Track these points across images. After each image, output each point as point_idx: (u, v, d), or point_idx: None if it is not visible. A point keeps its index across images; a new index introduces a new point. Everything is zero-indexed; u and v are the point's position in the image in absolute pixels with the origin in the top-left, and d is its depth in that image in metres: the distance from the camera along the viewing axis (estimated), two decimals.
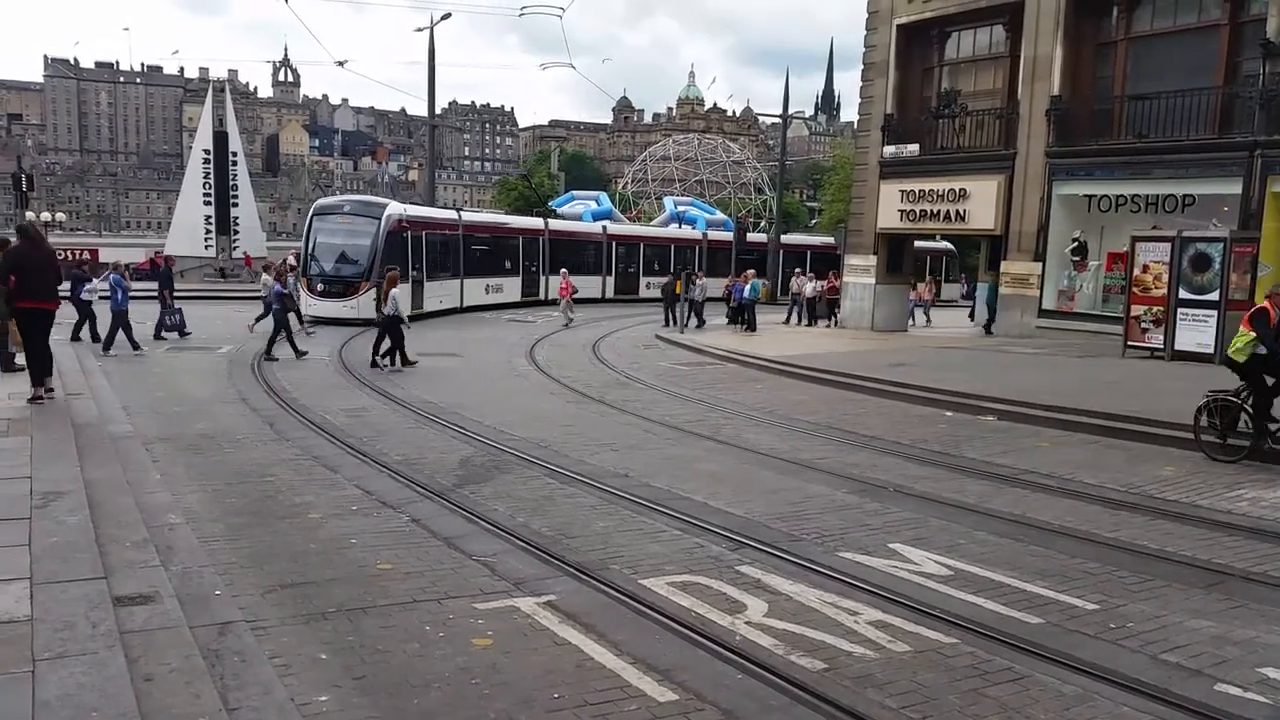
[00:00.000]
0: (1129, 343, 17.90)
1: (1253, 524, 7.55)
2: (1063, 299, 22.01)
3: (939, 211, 23.83)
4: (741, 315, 26.38)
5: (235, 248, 45.08)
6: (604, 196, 59.80)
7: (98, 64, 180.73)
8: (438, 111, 46.01)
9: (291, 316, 18.61)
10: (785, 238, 48.17)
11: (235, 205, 45.17)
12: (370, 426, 10.95)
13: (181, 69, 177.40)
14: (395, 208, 27.48)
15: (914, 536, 6.96)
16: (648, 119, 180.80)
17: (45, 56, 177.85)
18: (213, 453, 9.27)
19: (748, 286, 26.21)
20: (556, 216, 44.84)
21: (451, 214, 33.43)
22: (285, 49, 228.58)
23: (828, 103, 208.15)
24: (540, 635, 4.96)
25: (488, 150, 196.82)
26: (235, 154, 45.65)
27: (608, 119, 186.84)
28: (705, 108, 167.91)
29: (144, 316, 18.97)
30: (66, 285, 18.22)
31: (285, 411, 11.81)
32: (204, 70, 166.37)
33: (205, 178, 44.72)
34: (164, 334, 19.65)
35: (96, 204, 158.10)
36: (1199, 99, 19.17)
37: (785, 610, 5.39)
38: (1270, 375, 9.80)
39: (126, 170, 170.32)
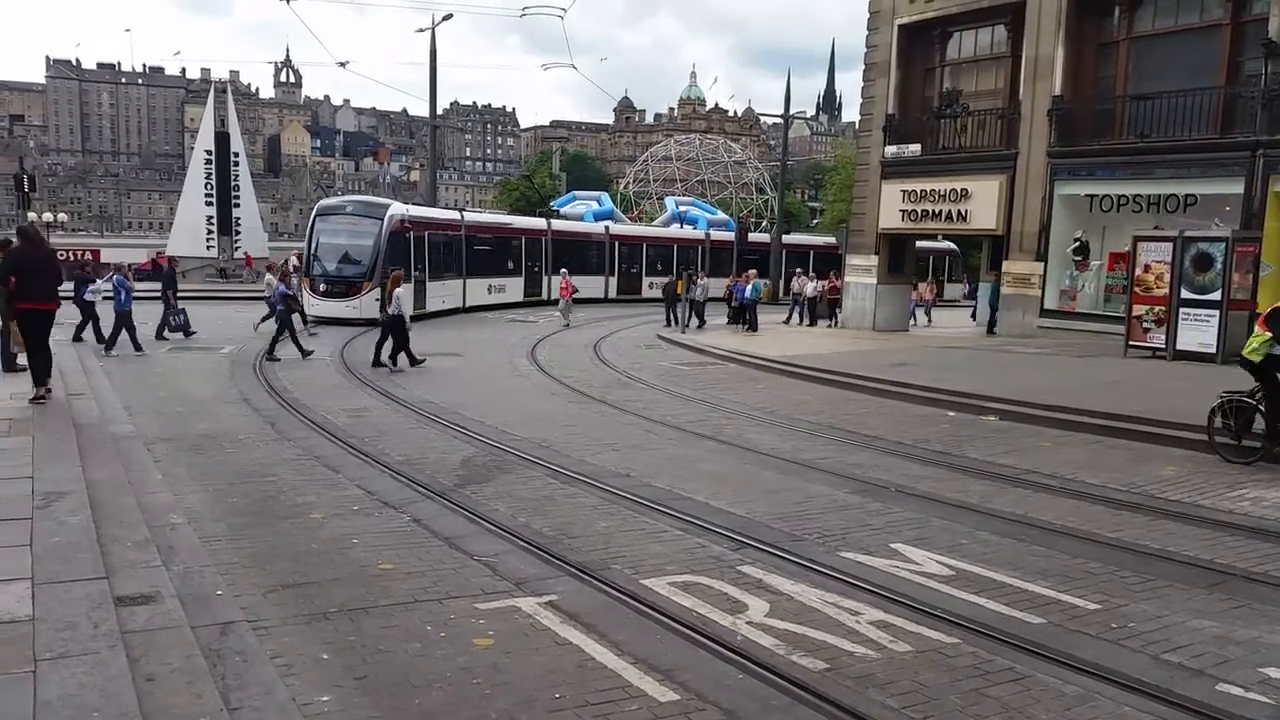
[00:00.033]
0: (1131, 342, 17.88)
1: (1254, 524, 7.54)
2: (1064, 299, 22.00)
3: (940, 211, 23.81)
4: (743, 315, 26.40)
5: (237, 248, 45.12)
6: (605, 196, 59.76)
7: (99, 65, 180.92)
8: (439, 112, 46.07)
9: (296, 317, 18.63)
10: (788, 238, 48.22)
11: (237, 206, 45.22)
12: (372, 426, 10.95)
13: (183, 70, 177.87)
14: (397, 208, 27.52)
15: (916, 536, 6.95)
16: (649, 119, 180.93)
17: (47, 57, 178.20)
18: (214, 453, 9.28)
19: (749, 286, 26.22)
20: (559, 217, 44.87)
21: (454, 214, 33.46)
22: (287, 50, 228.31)
23: (829, 103, 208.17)
24: (541, 635, 4.96)
25: (489, 151, 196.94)
26: (237, 154, 45.70)
27: (609, 119, 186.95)
28: (707, 108, 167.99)
29: (146, 317, 18.97)
30: (70, 286, 18.30)
31: (287, 411, 11.82)
32: (206, 71, 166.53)
33: (207, 178, 44.76)
34: (166, 334, 19.67)
35: (98, 205, 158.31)
36: (1201, 99, 19.15)
37: (787, 610, 5.39)
38: None
39: (128, 171, 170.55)
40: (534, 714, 4.12)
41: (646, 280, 40.48)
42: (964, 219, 23.47)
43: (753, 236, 45.70)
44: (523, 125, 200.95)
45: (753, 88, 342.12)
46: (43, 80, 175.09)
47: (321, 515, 7.13)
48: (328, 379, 15.26)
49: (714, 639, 4.92)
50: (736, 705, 4.23)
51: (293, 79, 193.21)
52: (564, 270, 30.59)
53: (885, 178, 25.19)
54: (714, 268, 39.61)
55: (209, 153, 44.80)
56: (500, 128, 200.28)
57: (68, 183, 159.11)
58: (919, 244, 33.33)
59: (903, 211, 24.69)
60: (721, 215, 59.30)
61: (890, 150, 25.02)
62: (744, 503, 7.85)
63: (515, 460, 9.28)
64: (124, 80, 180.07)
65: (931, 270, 43.60)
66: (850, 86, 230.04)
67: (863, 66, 26.22)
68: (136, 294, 18.22)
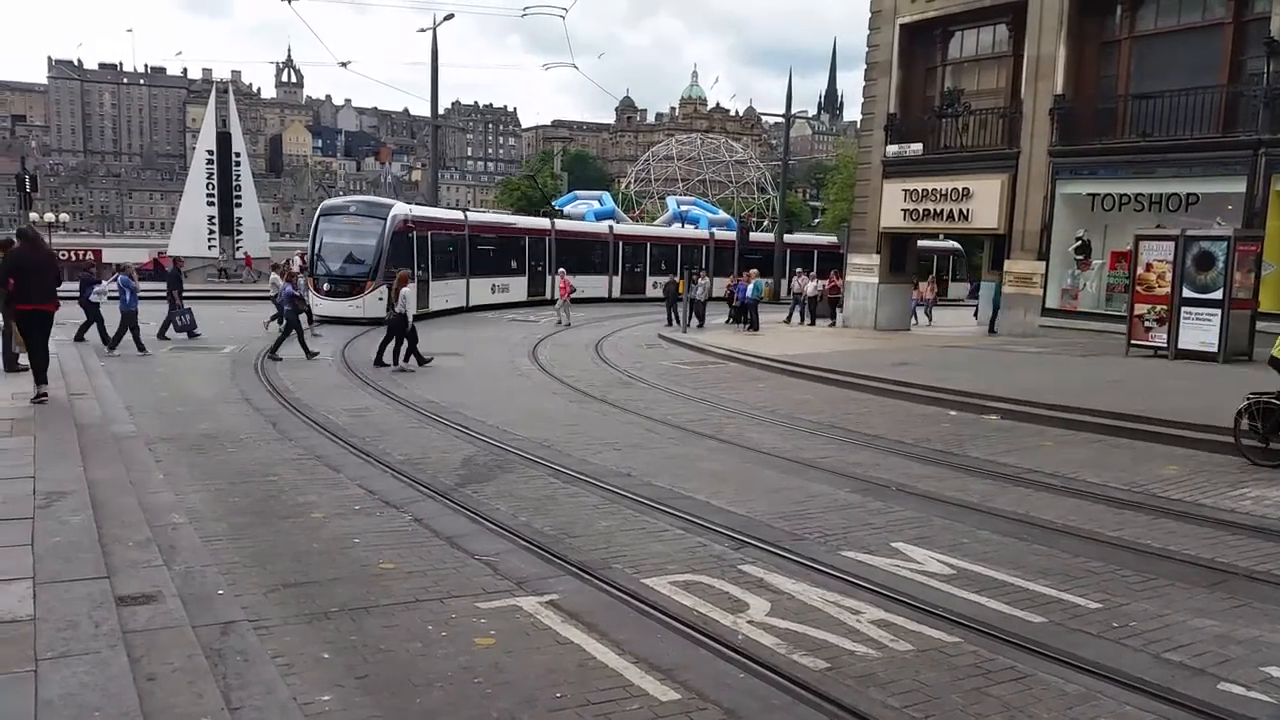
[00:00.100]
0: (1132, 341, 17.87)
1: (1256, 523, 7.53)
2: (1066, 298, 21.98)
3: (942, 211, 23.80)
4: (744, 314, 26.39)
5: (238, 248, 45.17)
6: (606, 196, 59.76)
7: (101, 65, 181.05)
8: (440, 112, 46.06)
9: (302, 317, 18.64)
10: (792, 237, 48.23)
11: (238, 206, 45.24)
12: (373, 426, 10.96)
13: (185, 70, 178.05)
14: (401, 208, 27.56)
15: (917, 535, 6.95)
16: (651, 119, 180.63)
17: (49, 58, 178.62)
18: (216, 452, 9.29)
19: (750, 286, 26.22)
20: (562, 216, 44.90)
21: (458, 214, 33.49)
22: (288, 50, 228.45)
23: (831, 102, 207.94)
24: (542, 634, 4.96)
25: (490, 150, 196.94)
26: (238, 154, 45.71)
27: (611, 119, 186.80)
28: (708, 107, 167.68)
29: (149, 317, 18.97)
30: (75, 286, 18.33)
31: (288, 411, 11.83)
32: (207, 71, 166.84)
33: (209, 178, 44.78)
34: (167, 334, 19.67)
35: (100, 205, 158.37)
36: (1203, 98, 19.14)
37: (788, 609, 5.38)
38: None
39: (130, 171, 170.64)
40: (535, 713, 4.12)
41: (650, 280, 40.48)
42: (965, 218, 23.45)
43: (758, 236, 45.70)
44: (524, 125, 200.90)
45: (754, 87, 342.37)
46: (44, 80, 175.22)
47: (323, 515, 7.14)
48: (329, 378, 15.27)
49: (715, 638, 4.92)
50: (737, 704, 4.23)
51: (294, 79, 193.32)
52: (562, 270, 30.60)
53: (887, 177, 25.18)
54: (718, 267, 39.64)
55: (210, 153, 44.82)
56: (502, 127, 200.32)
57: (69, 183, 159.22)
58: (923, 243, 33.40)
59: (904, 211, 24.67)
60: (723, 215, 59.28)
61: (892, 149, 25.01)
62: (745, 502, 7.85)
63: (516, 460, 9.29)
64: (126, 80, 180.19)
65: (936, 270, 43.59)
66: (852, 86, 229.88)
67: (864, 66, 26.20)
68: (141, 294, 18.23)
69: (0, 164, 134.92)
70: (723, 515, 7.36)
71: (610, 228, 41.80)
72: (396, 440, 10.12)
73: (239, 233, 45.26)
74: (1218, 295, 16.53)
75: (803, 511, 7.59)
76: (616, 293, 39.58)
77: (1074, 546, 6.80)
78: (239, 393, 13.23)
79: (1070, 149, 21.42)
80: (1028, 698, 4.38)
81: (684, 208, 57.35)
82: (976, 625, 5.17)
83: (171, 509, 6.81)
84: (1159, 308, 17.42)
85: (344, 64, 51.29)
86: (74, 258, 42.54)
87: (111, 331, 17.55)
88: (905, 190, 24.57)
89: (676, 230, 48.36)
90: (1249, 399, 9.77)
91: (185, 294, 21.89)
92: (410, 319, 16.41)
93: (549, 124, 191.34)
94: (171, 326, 19.83)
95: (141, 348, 17.32)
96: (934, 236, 36.42)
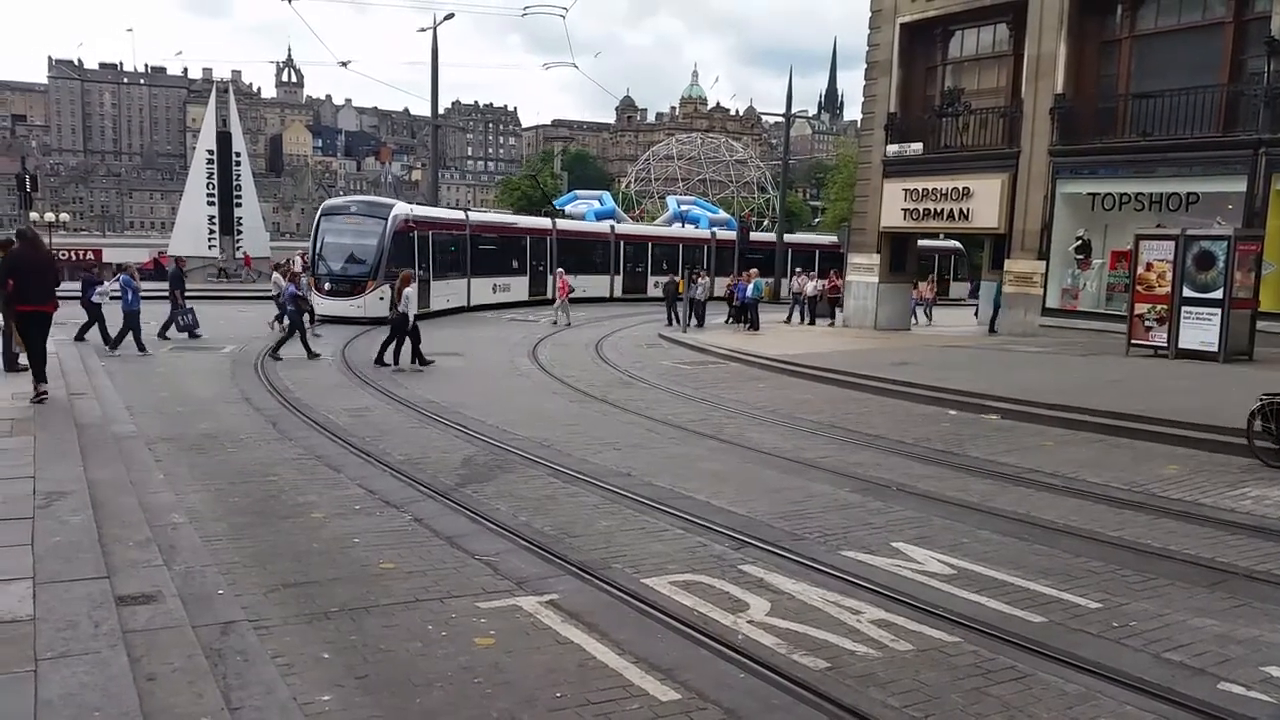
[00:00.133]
0: (1133, 341, 17.87)
1: (1256, 522, 7.53)
2: (1066, 297, 21.98)
3: (942, 210, 23.80)
4: (744, 314, 26.39)
5: (239, 248, 45.17)
6: (607, 196, 59.74)
7: (101, 65, 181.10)
8: (441, 111, 46.04)
9: (305, 317, 18.64)
10: (792, 237, 48.23)
11: (239, 205, 45.24)
12: (373, 426, 10.96)
13: (185, 70, 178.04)
14: (402, 208, 27.59)
15: (917, 535, 6.95)
16: (651, 118, 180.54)
17: (49, 58, 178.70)
18: (216, 452, 9.29)
19: (750, 285, 26.21)
20: (564, 216, 44.94)
21: (459, 214, 33.50)
22: (289, 50, 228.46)
23: (831, 102, 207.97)
24: (542, 634, 4.96)
25: (491, 150, 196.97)
26: (239, 154, 45.70)
27: (611, 119, 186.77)
28: (708, 107, 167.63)
29: (151, 317, 18.97)
30: (77, 287, 18.33)
31: (288, 411, 11.83)
32: (207, 71, 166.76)
33: (209, 178, 44.77)
34: (168, 334, 19.67)
35: (100, 204, 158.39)
36: (1203, 97, 19.14)
37: (788, 609, 5.38)
38: None
39: (130, 171, 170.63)
40: (535, 713, 4.11)
41: (652, 279, 40.50)
42: (966, 218, 23.45)
43: (759, 236, 45.71)
44: (524, 124, 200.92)
45: (754, 87, 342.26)
46: (45, 80, 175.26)
47: (323, 515, 7.14)
48: (329, 378, 15.27)
49: (715, 638, 4.92)
50: (738, 704, 4.23)
51: (294, 79, 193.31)
52: (560, 270, 30.59)
53: (887, 176, 25.18)
54: (719, 267, 39.62)
55: (211, 152, 44.82)
56: (502, 127, 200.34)
57: (70, 183, 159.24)
58: (923, 243, 33.37)
59: (904, 210, 24.67)
60: (723, 214, 59.31)
61: (892, 149, 25.01)
62: (745, 502, 7.85)
63: (516, 459, 9.29)
64: (126, 80, 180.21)
65: (936, 269, 43.60)
66: (852, 85, 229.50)
67: (864, 65, 26.20)
68: (143, 294, 18.24)
69: (0, 164, 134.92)
70: (723, 515, 7.36)
71: (612, 227, 41.82)
72: (397, 440, 10.12)
73: (239, 232, 45.26)
74: (1218, 295, 16.52)
75: (803, 511, 7.59)
76: (618, 292, 39.63)
77: (1074, 546, 6.80)
78: (239, 392, 13.23)
79: (1070, 148, 21.41)
80: (1028, 697, 4.37)
81: (684, 207, 57.35)
82: (976, 625, 5.17)
83: (171, 509, 6.81)
84: (1159, 307, 17.41)
85: (344, 64, 51.23)
86: (74, 258, 42.61)
87: (114, 331, 17.56)
88: (905, 190, 24.57)
89: (678, 230, 48.38)
90: (1262, 400, 9.57)
91: (186, 294, 21.90)
92: (412, 319, 16.41)
93: (549, 124, 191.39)
94: (174, 326, 19.83)
95: (142, 348, 17.33)
96: (934, 236, 36.41)
